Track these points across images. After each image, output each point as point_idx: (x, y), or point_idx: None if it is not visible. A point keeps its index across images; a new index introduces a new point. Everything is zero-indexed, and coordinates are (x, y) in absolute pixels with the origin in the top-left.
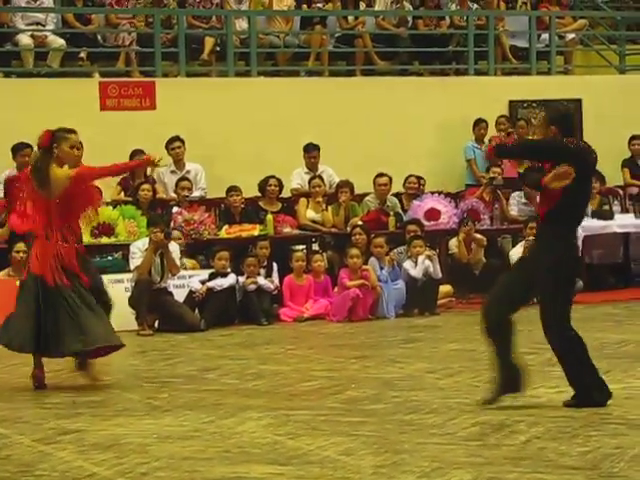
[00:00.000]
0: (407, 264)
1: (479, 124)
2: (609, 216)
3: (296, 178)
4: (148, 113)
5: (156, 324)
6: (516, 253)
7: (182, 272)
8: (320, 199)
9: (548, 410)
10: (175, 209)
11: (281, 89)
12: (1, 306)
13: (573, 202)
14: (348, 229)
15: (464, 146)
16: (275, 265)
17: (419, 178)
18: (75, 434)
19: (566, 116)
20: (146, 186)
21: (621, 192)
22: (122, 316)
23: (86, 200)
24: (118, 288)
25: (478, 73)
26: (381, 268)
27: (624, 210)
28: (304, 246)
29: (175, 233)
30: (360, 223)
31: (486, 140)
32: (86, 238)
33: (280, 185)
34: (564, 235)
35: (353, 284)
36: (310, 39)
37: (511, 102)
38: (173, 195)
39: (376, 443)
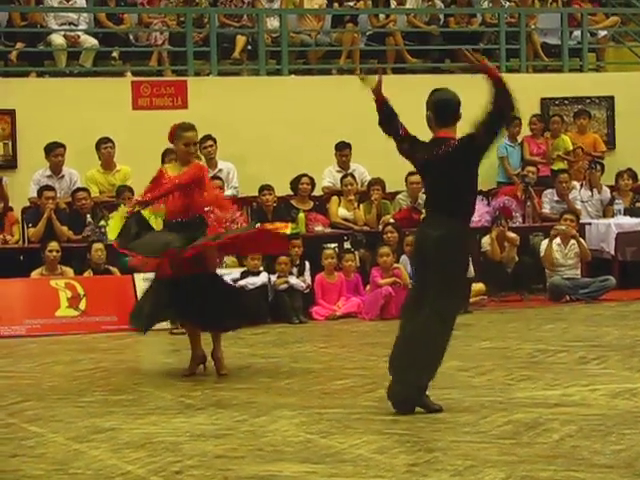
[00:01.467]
0: None
1: (512, 122)
2: None
3: (328, 176)
4: (180, 112)
5: None
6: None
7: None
8: (352, 197)
9: (581, 408)
10: (207, 208)
11: (312, 87)
12: (36, 305)
13: None
14: (380, 227)
15: (497, 144)
16: (307, 264)
17: None
18: (108, 432)
19: (442, 102)
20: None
21: None
22: None
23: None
24: None
25: (510, 70)
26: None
27: None
28: (336, 244)
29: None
30: (392, 221)
31: (519, 139)
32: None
33: (312, 183)
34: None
35: (385, 282)
36: (341, 37)
37: (543, 100)
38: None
39: (409, 441)
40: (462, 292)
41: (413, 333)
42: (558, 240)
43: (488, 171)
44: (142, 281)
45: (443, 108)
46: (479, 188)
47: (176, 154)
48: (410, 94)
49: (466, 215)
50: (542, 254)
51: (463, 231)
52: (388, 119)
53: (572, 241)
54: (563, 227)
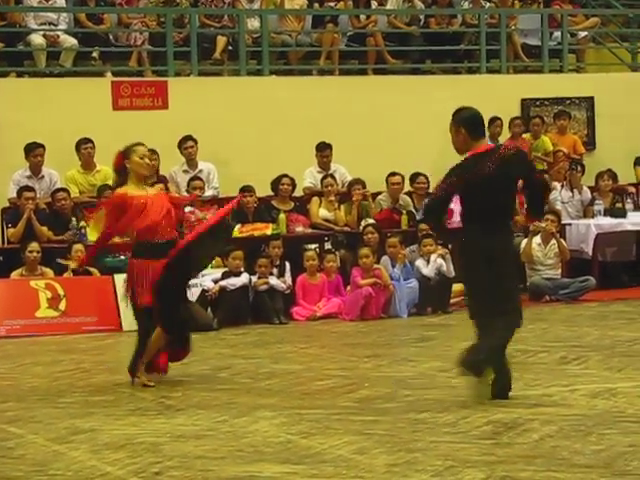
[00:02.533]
0: (419, 263)
1: (494, 122)
2: (622, 214)
3: (308, 177)
4: (160, 112)
5: None
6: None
7: None
8: (332, 198)
9: (561, 408)
10: (188, 208)
11: (293, 88)
12: (16, 305)
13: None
14: (361, 228)
15: None
16: (288, 264)
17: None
18: (88, 433)
19: (474, 117)
20: (159, 185)
21: (634, 190)
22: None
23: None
24: None
25: (490, 71)
26: (393, 266)
27: (637, 208)
28: (316, 245)
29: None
30: (372, 222)
31: (500, 139)
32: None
33: (293, 184)
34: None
35: (366, 283)
36: (322, 38)
37: (523, 100)
38: (186, 194)
39: (389, 442)
40: None
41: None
42: (538, 239)
43: None
44: (123, 282)
45: (476, 122)
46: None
47: (131, 173)
48: (390, 95)
49: None
50: (521, 250)
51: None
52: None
53: (552, 241)
54: (543, 225)
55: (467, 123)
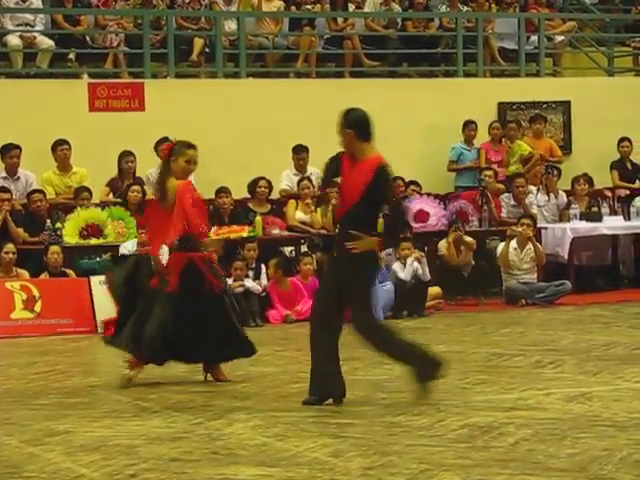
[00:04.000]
0: (396, 266)
1: (468, 125)
2: (598, 218)
3: (285, 179)
4: (137, 114)
5: None
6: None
7: None
8: (309, 201)
9: (536, 412)
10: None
11: (270, 90)
12: None
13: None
14: (336, 231)
15: (451, 146)
16: (263, 267)
17: (413, 182)
18: (63, 435)
19: (361, 119)
20: (136, 187)
21: (610, 194)
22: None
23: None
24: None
25: (467, 75)
26: None
27: (613, 212)
28: (292, 248)
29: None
30: None
31: (475, 142)
32: (74, 239)
33: (269, 186)
34: None
35: None
36: (299, 40)
37: (500, 104)
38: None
39: (365, 445)
40: None
41: None
42: (514, 244)
43: (446, 175)
44: (98, 284)
45: (364, 124)
46: (437, 192)
47: (172, 171)
48: (367, 98)
49: None
50: (498, 254)
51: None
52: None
53: (528, 245)
54: (520, 229)
55: (354, 125)
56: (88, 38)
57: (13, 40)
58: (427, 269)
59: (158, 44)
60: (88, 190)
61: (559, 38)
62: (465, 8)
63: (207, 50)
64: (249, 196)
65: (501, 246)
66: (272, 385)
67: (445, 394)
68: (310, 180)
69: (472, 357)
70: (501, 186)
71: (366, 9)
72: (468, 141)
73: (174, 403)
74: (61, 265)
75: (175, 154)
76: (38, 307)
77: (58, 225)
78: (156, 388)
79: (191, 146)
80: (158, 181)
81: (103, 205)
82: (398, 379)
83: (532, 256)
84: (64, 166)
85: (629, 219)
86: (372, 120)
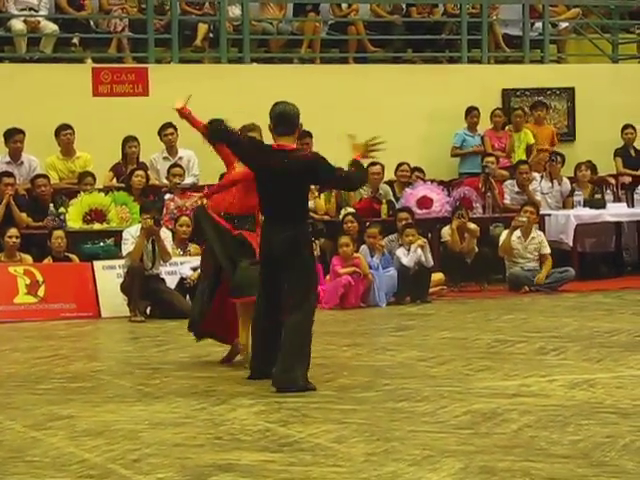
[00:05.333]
0: (399, 252)
1: (471, 112)
2: (601, 205)
3: None
4: (141, 99)
5: (148, 311)
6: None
7: (173, 259)
8: (312, 186)
9: (539, 399)
10: (167, 196)
11: (274, 76)
12: None
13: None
14: (340, 217)
15: (454, 132)
16: None
17: (417, 169)
18: (66, 420)
19: (280, 114)
20: (139, 172)
21: (613, 181)
22: (114, 302)
23: None
24: (110, 274)
25: (471, 61)
26: (372, 256)
27: (616, 199)
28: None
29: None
30: (352, 211)
31: (479, 129)
32: (78, 224)
33: None
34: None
35: (345, 271)
36: (303, 26)
37: (504, 90)
38: (165, 182)
39: (367, 431)
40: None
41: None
42: (518, 232)
43: (449, 162)
44: (102, 269)
45: (281, 119)
46: (441, 178)
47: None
48: (371, 84)
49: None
50: (500, 244)
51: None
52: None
53: (532, 234)
54: (524, 219)
55: (271, 118)
56: (92, 23)
57: (17, 25)
58: (430, 255)
59: (162, 29)
60: (92, 175)
61: (563, 25)
62: None
63: (211, 35)
64: None
65: (503, 235)
66: None
67: (448, 380)
68: None
69: (475, 344)
70: (505, 173)
71: None
72: (471, 128)
73: (177, 388)
74: (64, 250)
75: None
76: (41, 292)
77: (62, 210)
78: (159, 373)
79: (253, 128)
80: None
81: (107, 190)
82: (401, 365)
83: (536, 246)
84: (68, 151)
85: (633, 206)
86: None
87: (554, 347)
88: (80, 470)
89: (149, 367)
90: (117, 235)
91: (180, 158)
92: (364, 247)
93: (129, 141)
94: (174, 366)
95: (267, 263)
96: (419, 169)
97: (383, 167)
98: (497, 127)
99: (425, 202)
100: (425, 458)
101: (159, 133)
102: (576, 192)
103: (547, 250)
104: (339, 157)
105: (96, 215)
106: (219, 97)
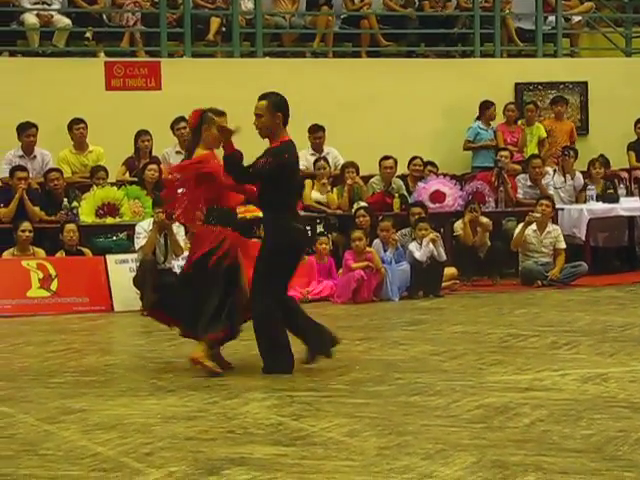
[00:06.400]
0: (412, 246)
1: (489, 107)
2: (614, 199)
3: (301, 159)
4: (153, 93)
5: None
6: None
7: (186, 253)
8: (325, 180)
9: (552, 393)
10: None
11: (286, 70)
12: (7, 285)
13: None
14: (353, 211)
15: (469, 126)
16: None
17: (430, 163)
18: (79, 414)
19: (287, 105)
20: (152, 166)
21: (626, 175)
22: (127, 296)
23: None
24: (123, 268)
25: (484, 55)
26: (385, 250)
27: (629, 193)
28: (309, 227)
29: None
30: (364, 205)
31: (493, 123)
32: (90, 218)
33: None
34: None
35: (358, 266)
36: (316, 20)
37: (517, 84)
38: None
39: (380, 425)
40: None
41: None
42: (534, 226)
43: (462, 156)
44: (114, 263)
45: (288, 110)
46: (453, 173)
47: (203, 139)
48: (384, 78)
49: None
50: (513, 237)
51: None
52: None
53: (548, 228)
54: (538, 215)
55: (284, 110)
56: (105, 17)
57: (30, 19)
58: (443, 250)
59: (175, 23)
60: (104, 169)
61: (576, 18)
62: None
63: (224, 29)
64: None
65: (518, 229)
66: None
67: (461, 374)
68: (326, 160)
69: (488, 338)
70: (517, 167)
71: None
72: (487, 122)
73: (189, 382)
74: (77, 243)
75: (207, 122)
76: (54, 286)
77: (74, 204)
78: (171, 367)
79: (223, 113)
80: (187, 149)
81: (119, 184)
82: (413, 359)
83: (551, 240)
84: (80, 145)
85: None
86: None
87: (567, 341)
88: (93, 463)
89: (162, 361)
90: (130, 229)
91: None
92: (377, 241)
93: (142, 135)
94: (187, 360)
95: (291, 254)
96: (432, 163)
97: (396, 161)
98: (510, 121)
99: (438, 196)
100: (438, 452)
101: (172, 127)
102: (589, 186)
103: (563, 245)
104: (350, 151)
105: (109, 209)
106: (232, 91)
